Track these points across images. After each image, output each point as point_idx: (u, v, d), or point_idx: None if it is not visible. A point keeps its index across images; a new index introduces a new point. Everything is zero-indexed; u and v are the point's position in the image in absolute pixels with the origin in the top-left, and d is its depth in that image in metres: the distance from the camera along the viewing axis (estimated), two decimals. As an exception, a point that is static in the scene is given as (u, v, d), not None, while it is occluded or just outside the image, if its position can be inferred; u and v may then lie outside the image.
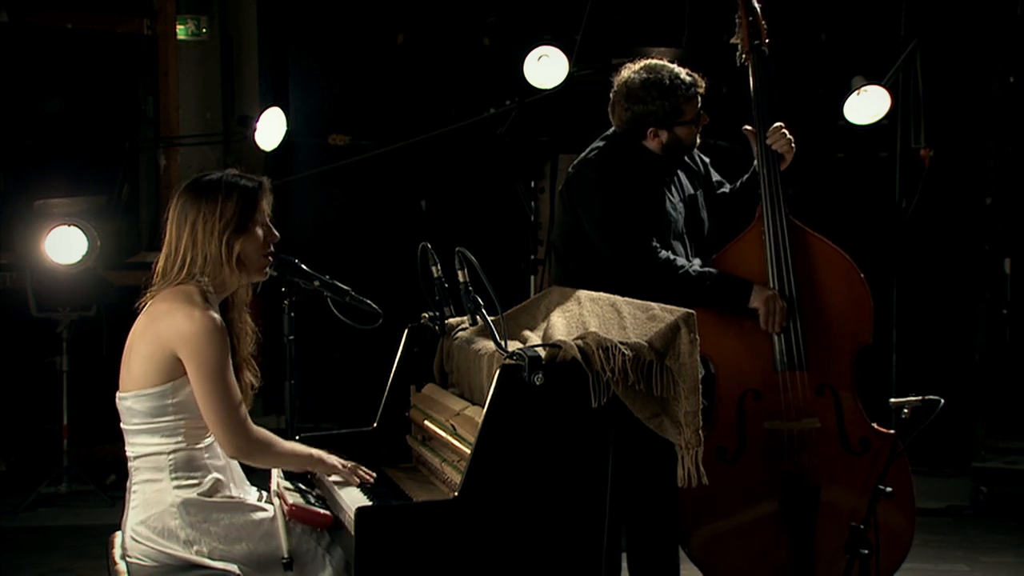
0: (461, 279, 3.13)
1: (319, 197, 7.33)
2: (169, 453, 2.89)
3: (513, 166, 6.44)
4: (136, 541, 2.88)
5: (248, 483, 3.07)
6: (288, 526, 2.94)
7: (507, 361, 2.81)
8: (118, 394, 2.95)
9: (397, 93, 7.18)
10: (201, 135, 7.16)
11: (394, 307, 3.49)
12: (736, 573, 3.86)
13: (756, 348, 3.83)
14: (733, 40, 4.03)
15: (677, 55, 5.96)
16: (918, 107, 6.09)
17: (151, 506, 2.88)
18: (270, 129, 6.22)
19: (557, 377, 2.82)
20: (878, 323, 3.96)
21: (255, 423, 2.96)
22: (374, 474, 3.17)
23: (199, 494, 2.89)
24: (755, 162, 3.96)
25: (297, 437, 3.29)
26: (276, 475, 3.19)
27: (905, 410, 3.52)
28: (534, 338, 3.22)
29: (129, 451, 2.94)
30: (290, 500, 3.00)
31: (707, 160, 4.08)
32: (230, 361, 2.89)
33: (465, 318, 3.42)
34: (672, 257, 3.74)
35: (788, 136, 3.91)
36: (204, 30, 7.25)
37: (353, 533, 2.72)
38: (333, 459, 3.12)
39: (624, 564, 3.80)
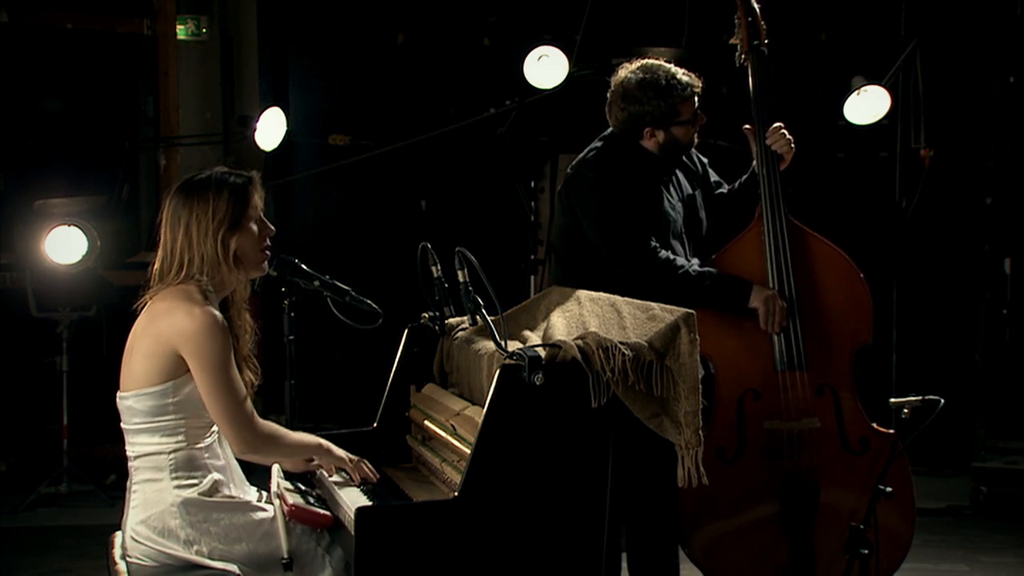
0: (461, 279, 3.13)
1: (319, 197, 7.33)
2: (169, 453, 2.89)
3: (513, 166, 6.44)
4: (136, 541, 2.88)
5: (248, 483, 3.07)
6: (288, 526, 2.95)
7: (507, 361, 2.82)
8: (119, 393, 2.95)
9: (397, 93, 7.18)
10: (201, 135, 7.16)
11: (394, 307, 3.49)
12: (736, 573, 3.86)
13: (756, 348, 3.83)
14: (732, 40, 4.03)
15: (677, 55, 5.96)
16: (918, 107, 6.09)
17: (151, 506, 2.88)
18: (270, 129, 6.22)
19: (557, 377, 2.82)
20: (878, 323, 3.96)
21: (255, 422, 2.96)
22: (377, 474, 3.17)
23: (199, 494, 2.89)
24: (754, 162, 3.97)
25: (297, 437, 3.29)
26: (276, 475, 3.19)
27: (905, 410, 3.52)
28: (534, 338, 3.22)
29: (129, 451, 2.94)
30: (290, 500, 3.00)
31: (705, 160, 4.08)
32: (232, 357, 2.90)
33: (465, 318, 3.42)
34: (671, 257, 3.74)
35: (787, 136, 3.91)
36: (204, 30, 7.25)
37: (353, 533, 2.72)
38: (340, 450, 3.13)
39: (624, 564, 3.80)
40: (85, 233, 5.79)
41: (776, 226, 3.86)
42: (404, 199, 7.17)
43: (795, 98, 6.10)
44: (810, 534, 3.82)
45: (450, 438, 3.10)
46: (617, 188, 3.74)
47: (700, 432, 2.91)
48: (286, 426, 3.40)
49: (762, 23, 4.00)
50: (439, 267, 3.40)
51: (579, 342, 2.88)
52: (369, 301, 3.33)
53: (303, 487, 3.18)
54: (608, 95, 3.88)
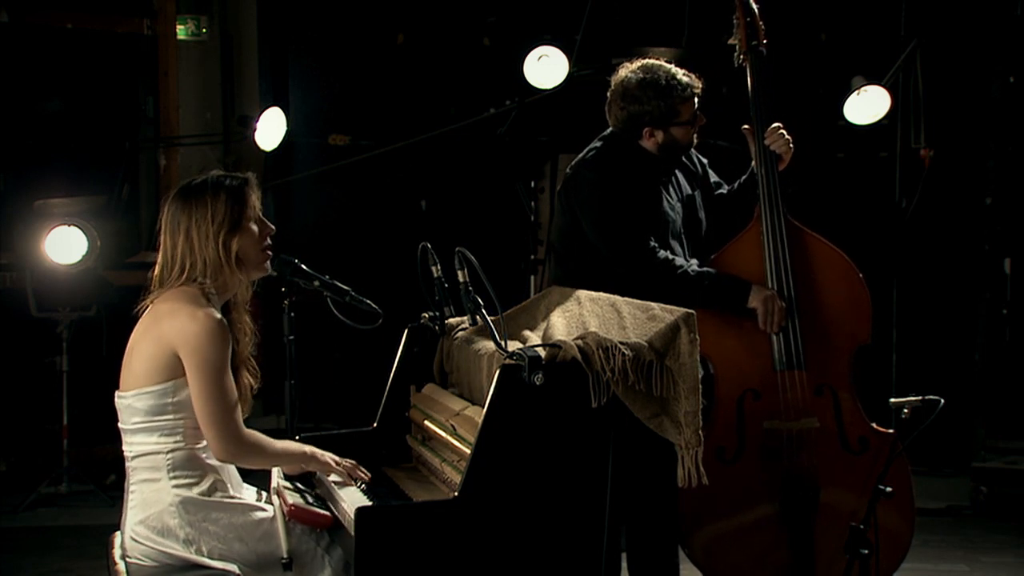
0: (461, 279, 3.13)
1: (319, 197, 7.33)
2: (167, 452, 2.89)
3: (513, 166, 6.44)
4: (135, 541, 2.88)
5: (244, 484, 3.07)
6: (288, 526, 2.95)
7: (507, 361, 2.82)
8: (117, 393, 2.95)
9: (397, 93, 7.18)
10: (201, 135, 7.16)
11: (394, 307, 3.49)
12: (736, 573, 3.86)
13: (755, 348, 3.83)
14: (731, 41, 4.03)
15: (677, 55, 5.97)
16: (918, 107, 6.09)
17: (150, 505, 2.88)
18: (270, 129, 6.22)
19: (557, 377, 2.82)
20: (878, 323, 3.96)
21: (255, 424, 2.96)
22: (369, 474, 3.17)
23: (198, 493, 2.89)
24: (753, 162, 3.97)
25: (297, 437, 3.29)
26: (276, 475, 3.19)
27: (905, 410, 3.52)
28: (534, 338, 3.22)
29: (127, 450, 2.94)
30: (290, 500, 3.00)
31: (705, 160, 4.09)
32: (229, 363, 2.89)
33: (465, 318, 3.42)
34: (671, 257, 3.75)
35: (786, 136, 3.91)
36: (204, 30, 7.25)
37: (353, 533, 2.72)
38: (326, 456, 3.12)
39: (624, 564, 3.80)
40: (85, 233, 5.79)
41: (775, 226, 3.86)
42: (404, 199, 7.18)
43: (795, 98, 6.10)
44: (810, 534, 3.82)
45: (450, 438, 3.10)
46: (616, 188, 3.74)
47: (700, 432, 2.91)
48: (287, 426, 3.41)
49: (760, 23, 4.00)
50: (439, 267, 3.41)
51: (579, 342, 2.88)
52: (369, 301, 3.33)
53: (303, 487, 3.18)
54: (608, 95, 3.88)
